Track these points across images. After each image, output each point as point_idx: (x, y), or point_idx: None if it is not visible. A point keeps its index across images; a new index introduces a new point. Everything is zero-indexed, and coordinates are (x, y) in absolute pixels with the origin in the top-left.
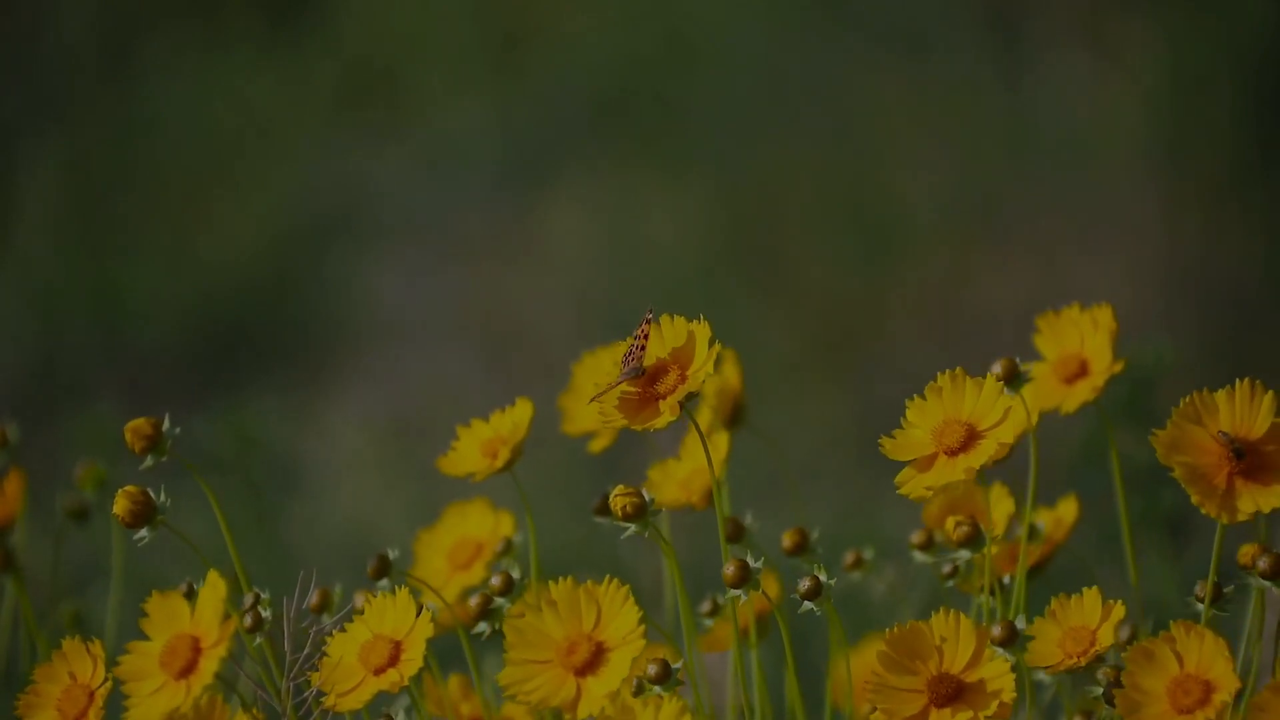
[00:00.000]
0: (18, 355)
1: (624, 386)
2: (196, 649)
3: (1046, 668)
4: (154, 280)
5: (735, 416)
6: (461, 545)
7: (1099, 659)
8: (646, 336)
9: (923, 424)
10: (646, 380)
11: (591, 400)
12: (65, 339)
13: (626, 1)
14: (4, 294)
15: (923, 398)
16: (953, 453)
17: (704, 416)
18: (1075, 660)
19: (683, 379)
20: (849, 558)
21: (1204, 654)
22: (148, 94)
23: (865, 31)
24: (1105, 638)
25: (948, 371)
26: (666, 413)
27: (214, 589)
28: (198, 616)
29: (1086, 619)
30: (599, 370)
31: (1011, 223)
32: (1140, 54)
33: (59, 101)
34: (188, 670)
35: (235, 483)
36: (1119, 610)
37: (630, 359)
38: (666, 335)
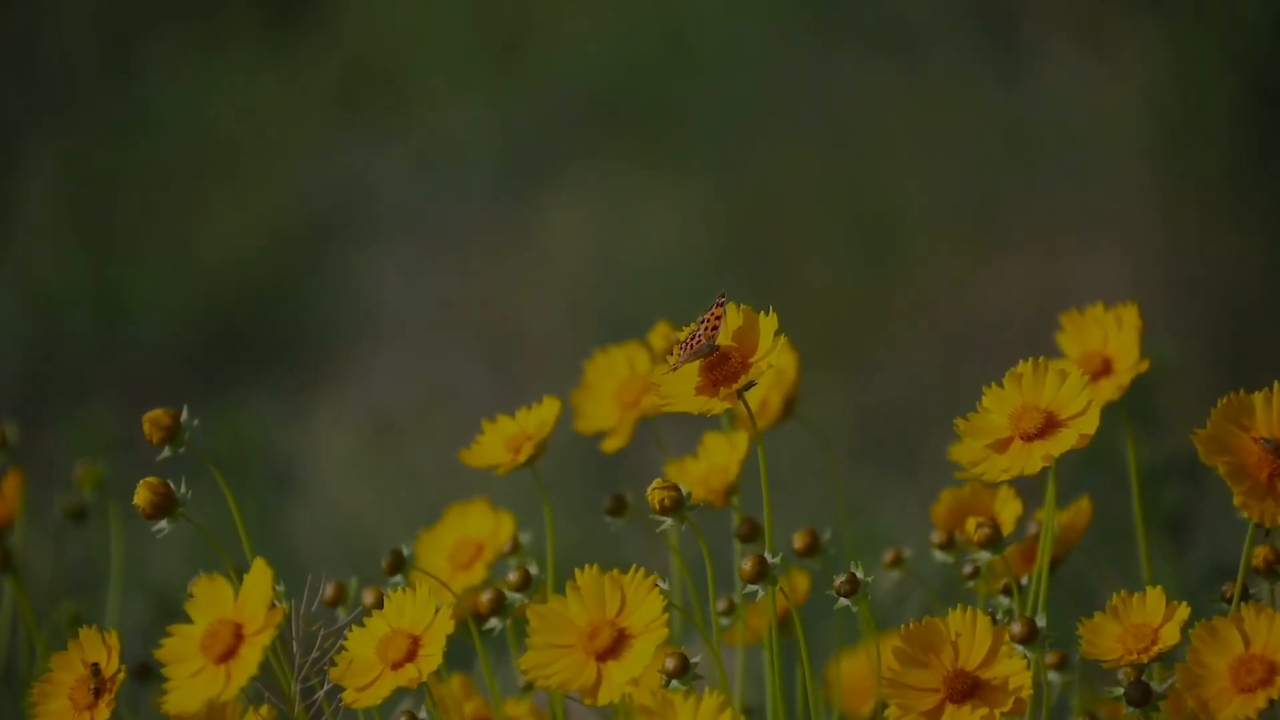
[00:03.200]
0: (17, 355)
1: (694, 365)
2: (239, 635)
3: (1104, 661)
4: (153, 280)
5: (788, 408)
6: (462, 545)
7: (1159, 657)
8: (719, 318)
9: (999, 410)
10: (709, 365)
11: (670, 370)
12: (65, 339)
13: (626, 2)
14: (4, 294)
15: (999, 386)
16: (1029, 438)
17: (753, 403)
18: (1136, 657)
19: (745, 367)
20: (889, 555)
21: (1273, 635)
22: (148, 94)
23: (864, 32)
24: (1169, 637)
25: (1030, 359)
26: (724, 398)
27: (261, 574)
28: (242, 602)
29: (1149, 617)
30: (611, 369)
31: (1011, 223)
32: (1140, 54)
33: (59, 101)
34: (228, 655)
35: (230, 482)
36: (1183, 611)
37: (697, 338)
38: (732, 322)
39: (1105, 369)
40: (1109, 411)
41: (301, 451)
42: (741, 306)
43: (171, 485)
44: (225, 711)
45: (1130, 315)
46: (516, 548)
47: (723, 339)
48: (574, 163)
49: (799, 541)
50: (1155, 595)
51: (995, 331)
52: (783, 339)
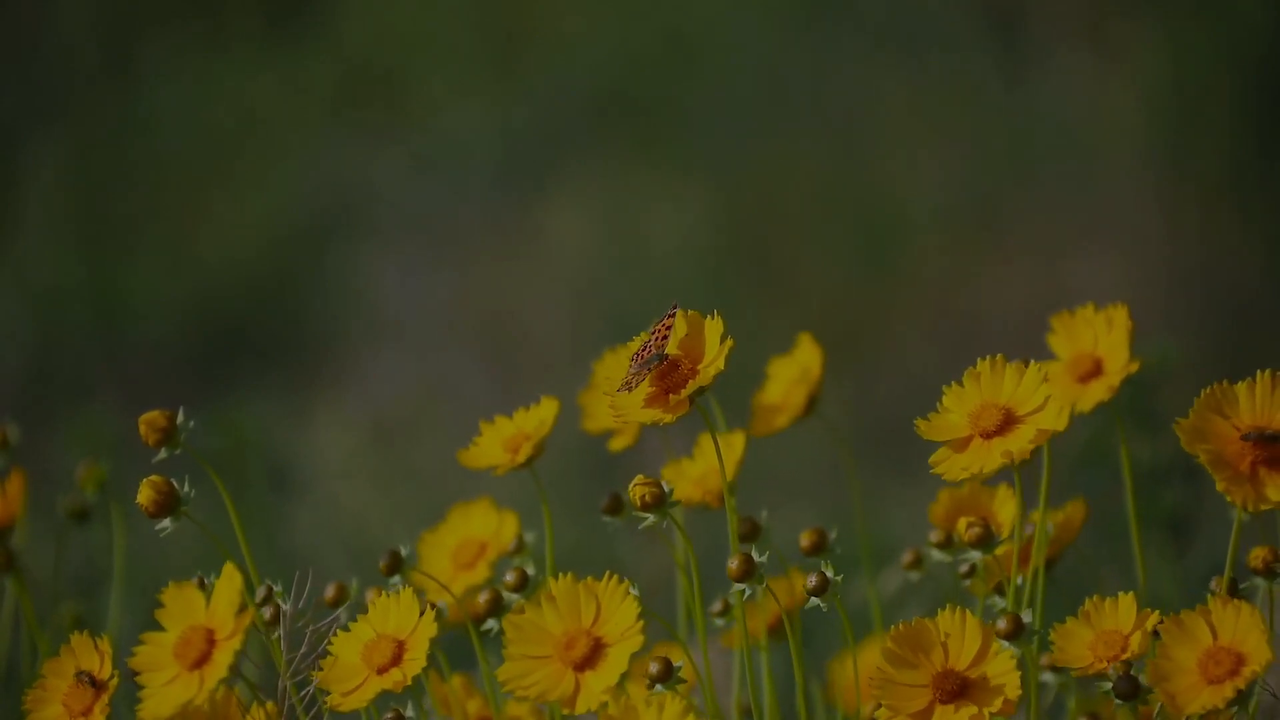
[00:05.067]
0: (18, 355)
1: (647, 378)
2: (211, 641)
3: (1075, 670)
4: (153, 280)
5: (810, 405)
6: (465, 545)
7: (1129, 665)
8: (669, 328)
9: (959, 409)
10: (659, 374)
11: (619, 390)
12: (65, 339)
13: (626, 1)
14: (4, 294)
15: (960, 384)
16: (988, 435)
17: (774, 400)
18: (1105, 664)
19: (693, 373)
20: (907, 556)
21: (1239, 627)
22: (148, 94)
23: (865, 31)
24: (1139, 644)
25: (988, 358)
26: (674, 406)
27: (230, 581)
28: (213, 608)
29: (1120, 624)
30: (620, 368)
31: (1011, 223)
32: (1140, 54)
33: (59, 101)
34: (201, 661)
35: (230, 482)
36: (1153, 618)
37: (648, 349)
38: (679, 329)
39: (1096, 370)
40: (1108, 411)
41: (301, 451)
42: (689, 313)
43: (174, 484)
44: (229, 710)
45: (1120, 316)
46: (521, 547)
47: (672, 348)
48: (574, 163)
49: (805, 540)
50: (1126, 601)
51: (995, 331)
52: (730, 343)
